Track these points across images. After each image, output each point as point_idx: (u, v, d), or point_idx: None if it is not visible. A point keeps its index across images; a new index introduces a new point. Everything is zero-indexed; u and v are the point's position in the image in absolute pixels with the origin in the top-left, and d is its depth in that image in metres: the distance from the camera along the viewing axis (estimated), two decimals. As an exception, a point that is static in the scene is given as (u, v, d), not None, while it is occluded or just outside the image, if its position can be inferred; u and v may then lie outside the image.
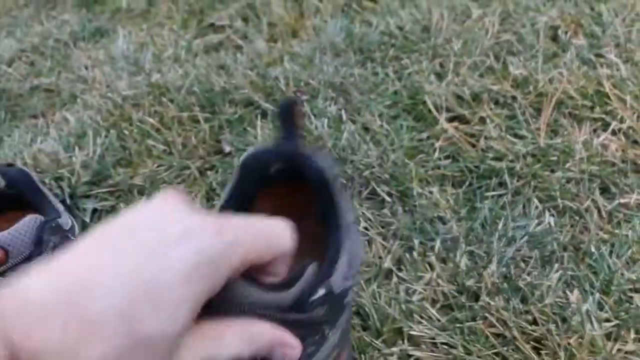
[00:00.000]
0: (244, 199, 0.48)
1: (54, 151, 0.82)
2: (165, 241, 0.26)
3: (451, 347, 0.59)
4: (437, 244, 0.69)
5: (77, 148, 0.83)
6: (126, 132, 0.86)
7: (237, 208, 0.48)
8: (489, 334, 0.60)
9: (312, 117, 0.84)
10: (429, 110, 0.88)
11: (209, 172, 0.79)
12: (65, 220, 0.61)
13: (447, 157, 0.82)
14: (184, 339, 0.27)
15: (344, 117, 0.85)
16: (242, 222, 0.29)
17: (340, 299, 0.42)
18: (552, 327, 0.59)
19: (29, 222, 0.55)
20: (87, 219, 0.74)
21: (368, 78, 0.94)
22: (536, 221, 0.70)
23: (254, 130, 0.84)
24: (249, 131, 0.84)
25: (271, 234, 0.31)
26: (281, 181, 0.48)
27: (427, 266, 0.67)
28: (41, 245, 0.55)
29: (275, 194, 0.49)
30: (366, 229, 0.71)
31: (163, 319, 0.24)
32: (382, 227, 0.72)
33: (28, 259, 0.54)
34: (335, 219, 0.45)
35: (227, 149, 0.81)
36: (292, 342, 0.34)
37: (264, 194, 0.49)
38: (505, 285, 0.64)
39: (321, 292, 0.38)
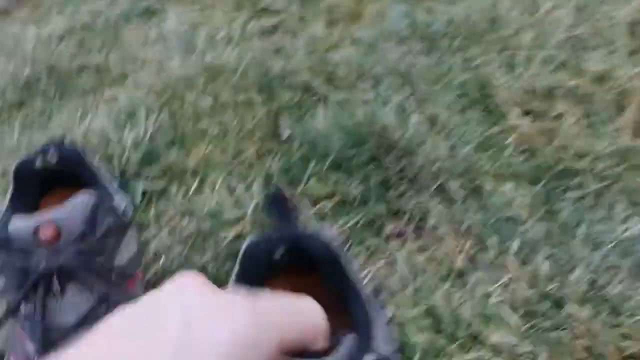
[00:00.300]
0: (250, 288, 0.45)
1: (103, 129, 0.78)
2: (199, 318, 0.23)
3: (534, 356, 0.54)
4: (514, 244, 0.64)
5: (127, 127, 0.79)
6: (179, 112, 0.82)
7: None
8: (576, 346, 0.54)
9: (377, 105, 0.79)
10: (499, 104, 0.83)
11: (266, 157, 0.74)
12: (119, 201, 0.57)
13: (520, 153, 0.76)
14: None
15: (410, 107, 0.80)
16: (273, 302, 0.27)
17: None
18: (651, 343, 0.53)
19: (81, 200, 0.51)
20: (137, 201, 0.70)
21: (433, 68, 0.89)
22: (623, 227, 0.64)
23: (314, 118, 0.79)
24: (308, 117, 0.79)
25: (303, 313, 0.28)
26: (287, 266, 0.46)
27: (504, 268, 0.62)
28: (95, 227, 0.50)
29: (283, 280, 0.47)
30: (435, 225, 0.66)
31: None
32: (453, 224, 0.66)
33: (81, 238, 0.50)
34: (352, 291, 0.43)
35: (286, 134, 0.76)
36: None
37: (271, 281, 0.47)
38: (592, 294, 0.58)
39: (370, 358, 0.35)
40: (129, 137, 0.76)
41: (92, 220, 0.50)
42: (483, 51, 0.91)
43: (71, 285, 0.48)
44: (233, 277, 0.45)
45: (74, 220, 0.49)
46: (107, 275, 0.49)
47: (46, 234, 0.48)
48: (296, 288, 0.50)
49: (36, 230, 0.48)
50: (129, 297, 0.48)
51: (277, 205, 0.46)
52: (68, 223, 0.49)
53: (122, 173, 0.72)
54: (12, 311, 0.48)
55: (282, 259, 0.44)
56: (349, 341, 0.34)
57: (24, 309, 0.48)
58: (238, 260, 0.44)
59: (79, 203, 0.50)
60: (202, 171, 0.73)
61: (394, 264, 0.62)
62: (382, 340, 0.39)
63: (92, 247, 0.49)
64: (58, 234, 0.48)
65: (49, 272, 0.47)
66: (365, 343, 0.37)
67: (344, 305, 0.43)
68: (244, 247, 0.44)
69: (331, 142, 0.73)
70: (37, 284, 0.47)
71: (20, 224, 0.49)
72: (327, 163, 0.71)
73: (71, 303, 0.48)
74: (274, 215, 0.46)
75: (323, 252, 0.43)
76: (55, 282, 0.47)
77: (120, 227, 0.56)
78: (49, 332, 0.47)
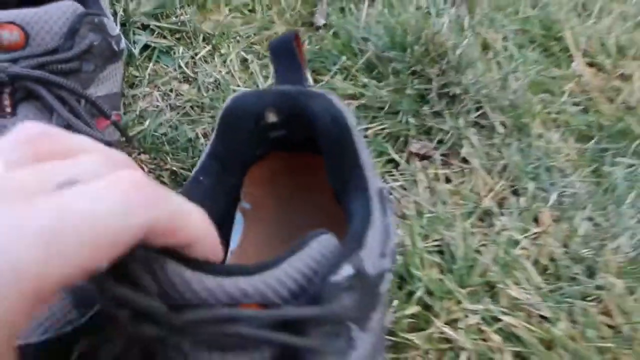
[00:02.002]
0: (228, 168, 0.35)
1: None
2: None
3: (551, 323, 0.45)
4: (552, 197, 0.55)
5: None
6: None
7: (218, 181, 0.35)
8: (603, 321, 0.46)
9: (429, 15, 0.69)
10: (563, 49, 0.73)
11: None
12: (113, 25, 0.47)
13: (576, 105, 0.66)
14: None
15: (465, 26, 0.70)
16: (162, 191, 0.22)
17: (374, 286, 0.28)
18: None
19: (64, 7, 0.41)
20: (136, 53, 0.60)
21: (497, -6, 0.78)
22: (681, 205, 0.55)
23: (358, 12, 0.69)
24: (351, 10, 0.69)
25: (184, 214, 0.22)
26: (283, 140, 0.35)
27: (537, 220, 0.53)
28: (73, 38, 0.40)
29: (275, 159, 0.37)
30: (467, 156, 0.57)
31: None
32: (488, 160, 0.57)
33: (53, 52, 0.40)
34: (358, 182, 0.32)
35: (321, 21, 0.66)
36: None
37: (259, 163, 0.37)
38: (631, 268, 0.50)
39: (347, 270, 0.25)
40: (142, -17, 0.66)
41: (71, 33, 0.40)
42: (556, -9, 0.80)
43: (26, 105, 0.39)
44: (206, 149, 0.35)
45: (47, 27, 0.39)
46: (73, 104, 0.40)
47: (9, 36, 0.38)
48: (286, 170, 0.40)
49: (-3, 29, 0.39)
50: (93, 138, 0.39)
51: (285, 49, 0.35)
52: (39, 29, 0.39)
53: (126, 21, 0.63)
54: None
55: (276, 127, 0.35)
56: (319, 242, 0.25)
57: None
58: (215, 126, 0.34)
59: (60, 10, 0.40)
60: (217, 39, 0.63)
61: (412, 187, 0.53)
62: (375, 251, 0.29)
63: (64, 64, 0.40)
64: (24, 40, 0.39)
65: (1, 80, 0.38)
66: (351, 248, 0.27)
67: (345, 199, 0.33)
68: (223, 106, 0.34)
69: (370, 40, 0.63)
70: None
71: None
72: (361, 62, 0.61)
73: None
74: (277, 61, 0.36)
75: (331, 122, 0.32)
76: (7, 96, 0.38)
77: (106, 51, 0.46)
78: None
